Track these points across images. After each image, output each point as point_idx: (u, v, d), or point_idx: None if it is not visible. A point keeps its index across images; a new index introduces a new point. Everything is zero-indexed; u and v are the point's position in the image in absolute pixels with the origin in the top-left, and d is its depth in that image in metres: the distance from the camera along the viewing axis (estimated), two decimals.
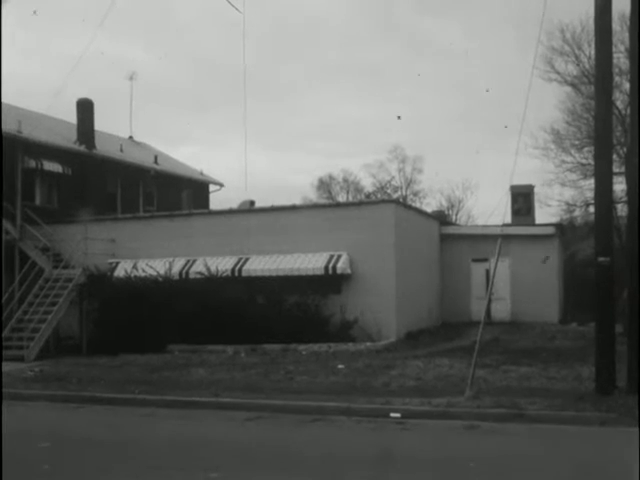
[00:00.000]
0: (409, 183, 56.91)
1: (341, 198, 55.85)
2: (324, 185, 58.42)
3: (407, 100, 78.22)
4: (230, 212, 23.04)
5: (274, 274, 20.57)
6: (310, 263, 20.44)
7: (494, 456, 8.44)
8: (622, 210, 25.78)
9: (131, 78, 34.10)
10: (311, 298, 19.89)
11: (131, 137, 34.75)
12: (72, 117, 28.02)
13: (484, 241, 24.41)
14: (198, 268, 21.10)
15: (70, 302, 21.30)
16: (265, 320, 19.30)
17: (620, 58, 23.58)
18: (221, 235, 21.75)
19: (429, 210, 39.00)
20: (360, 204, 22.88)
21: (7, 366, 16.08)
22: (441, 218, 30.26)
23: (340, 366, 15.39)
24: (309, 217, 21.51)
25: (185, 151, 72.07)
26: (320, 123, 77.91)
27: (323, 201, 50.65)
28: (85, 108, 27.74)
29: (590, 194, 30.01)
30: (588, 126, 29.22)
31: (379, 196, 49.30)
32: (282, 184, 70.21)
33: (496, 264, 13.17)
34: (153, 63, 73.86)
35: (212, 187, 34.46)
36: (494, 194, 63.70)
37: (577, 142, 31.90)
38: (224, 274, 20.75)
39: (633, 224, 11.25)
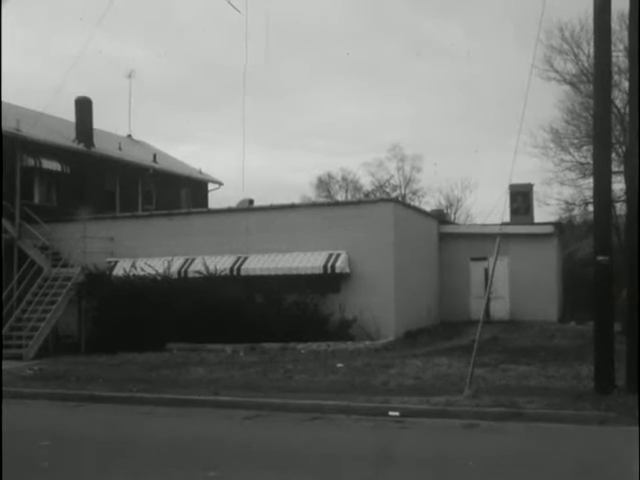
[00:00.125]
0: (408, 182, 56.97)
1: (340, 197, 55.88)
2: (323, 184, 58.46)
3: (406, 99, 78.31)
4: (229, 211, 23.04)
5: (273, 273, 20.57)
6: (309, 262, 20.44)
7: (493, 455, 8.44)
8: (621, 209, 25.82)
9: (130, 76, 34.14)
10: (310, 297, 19.89)
11: (130, 135, 34.71)
12: (71, 115, 28.04)
13: (483, 240, 24.39)
14: (197, 267, 21.09)
15: (69, 301, 21.29)
16: (264, 319, 19.30)
17: (619, 57, 23.59)
18: (220, 234, 21.74)
19: (428, 209, 39.01)
20: (359, 203, 22.86)
21: (6, 365, 16.06)
22: (440, 217, 30.28)
23: (339, 365, 15.38)
24: (308, 216, 21.50)
25: (184, 149, 72.15)
26: (319, 122, 77.95)
27: (322, 200, 50.64)
28: (84, 106, 27.73)
29: (589, 193, 30.04)
30: (587, 125, 29.23)
31: (378, 195, 49.33)
32: (281, 183, 70.36)
33: (495, 263, 13.17)
34: (152, 61, 73.91)
35: (211, 186, 34.48)
36: (493, 193, 63.83)
37: (576, 141, 31.91)
38: (223, 273, 20.74)
39: (632, 223, 11.25)
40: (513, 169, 18.62)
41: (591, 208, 21.63)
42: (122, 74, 37.88)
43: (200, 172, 34.26)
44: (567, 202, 33.36)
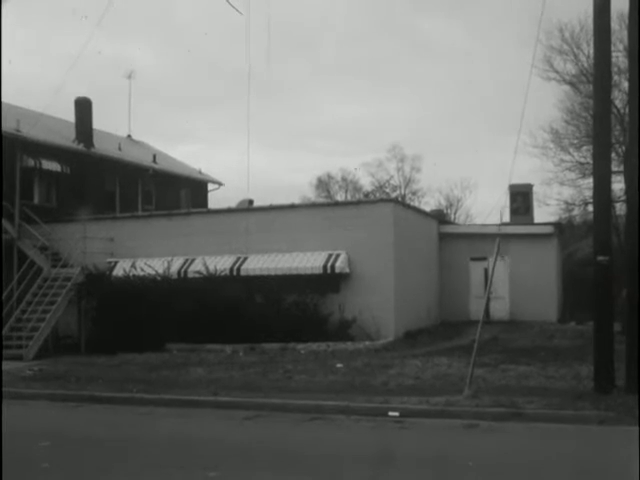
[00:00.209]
0: (408, 182, 57.02)
1: (340, 197, 55.89)
2: (323, 184, 58.47)
3: (406, 99, 78.32)
4: (229, 211, 23.03)
5: (272, 273, 20.57)
6: (309, 262, 20.44)
7: (493, 455, 8.45)
8: (621, 209, 25.81)
9: (129, 76, 34.10)
10: (310, 297, 19.89)
11: (129, 136, 34.71)
12: (70, 116, 28.04)
13: (483, 240, 24.39)
14: (197, 267, 21.09)
15: (69, 301, 21.29)
16: (264, 319, 19.30)
17: (619, 57, 23.60)
18: (220, 234, 21.74)
19: (428, 209, 39.03)
20: (359, 203, 22.85)
21: (6, 365, 16.06)
22: (440, 217, 30.27)
23: (339, 365, 15.39)
24: (308, 216, 21.50)
25: (184, 150, 72.18)
26: (319, 122, 77.98)
27: (322, 200, 50.65)
28: (83, 107, 27.74)
29: (589, 193, 30.04)
30: (587, 125, 29.24)
31: (378, 195, 49.33)
32: (281, 183, 70.33)
33: (495, 263, 13.17)
34: (152, 61, 73.92)
35: (211, 186, 34.48)
36: (493, 193, 63.91)
37: (576, 141, 31.92)
38: (223, 273, 20.74)
39: (632, 223, 11.25)
40: (513, 169, 18.69)
41: (591, 208, 21.63)
42: (122, 74, 37.93)
43: (200, 172, 34.26)
44: (567, 202, 33.38)
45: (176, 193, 29.50)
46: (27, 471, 7.90)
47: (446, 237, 26.77)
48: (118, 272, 21.77)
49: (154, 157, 31.36)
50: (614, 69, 20.43)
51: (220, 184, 34.54)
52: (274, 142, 79.45)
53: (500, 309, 25.47)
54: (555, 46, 30.55)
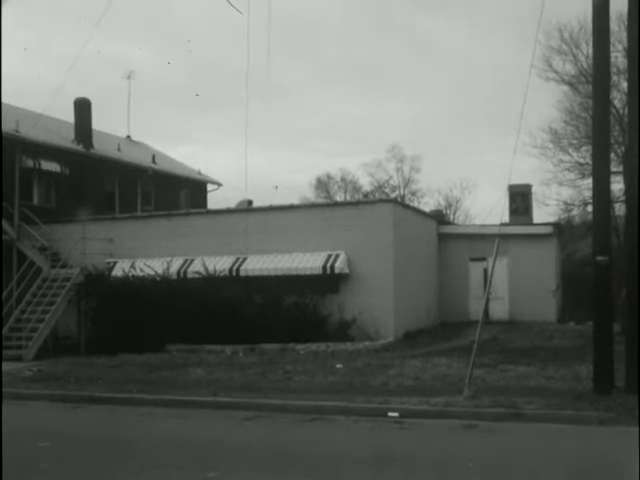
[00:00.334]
0: (407, 182, 57.05)
1: (339, 198, 55.92)
2: (322, 184, 58.50)
3: (406, 99, 78.34)
4: (228, 212, 23.03)
5: (272, 274, 20.56)
6: (308, 263, 20.43)
7: (492, 455, 8.45)
8: (620, 209, 25.79)
9: (129, 77, 34.11)
10: (309, 298, 19.88)
11: (129, 136, 34.70)
12: (70, 116, 28.02)
13: (482, 240, 24.40)
14: (196, 268, 21.08)
15: (68, 302, 21.28)
16: (263, 320, 19.30)
17: (618, 57, 23.60)
18: (219, 235, 21.74)
19: (427, 209, 39.06)
20: (358, 203, 22.85)
21: (6, 366, 16.06)
22: (439, 217, 30.29)
23: (338, 366, 15.39)
24: (307, 216, 21.50)
25: (183, 150, 72.18)
26: (318, 122, 78.00)
27: (321, 200, 50.70)
28: (83, 107, 27.73)
29: (588, 193, 30.01)
30: (586, 125, 29.23)
31: (377, 195, 49.34)
32: (280, 183, 70.37)
33: (494, 263, 13.17)
34: (151, 62, 73.90)
35: (210, 187, 34.48)
36: (492, 193, 63.85)
37: (575, 141, 31.91)
38: (222, 274, 20.74)
39: (631, 223, 11.25)
40: (512, 169, 18.72)
41: (590, 208, 21.66)
42: (121, 75, 37.91)
43: (199, 173, 34.26)
44: (566, 202, 33.36)
45: (175, 194, 29.50)
46: (27, 471, 7.91)
47: (445, 237, 26.78)
48: (117, 273, 21.76)
49: (153, 158, 31.36)
50: (613, 69, 20.42)
51: (219, 185, 34.56)
52: (273, 142, 79.65)
53: (499, 309, 25.48)
54: (554, 46, 30.56)
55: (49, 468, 8.02)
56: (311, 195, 57.04)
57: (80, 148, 26.58)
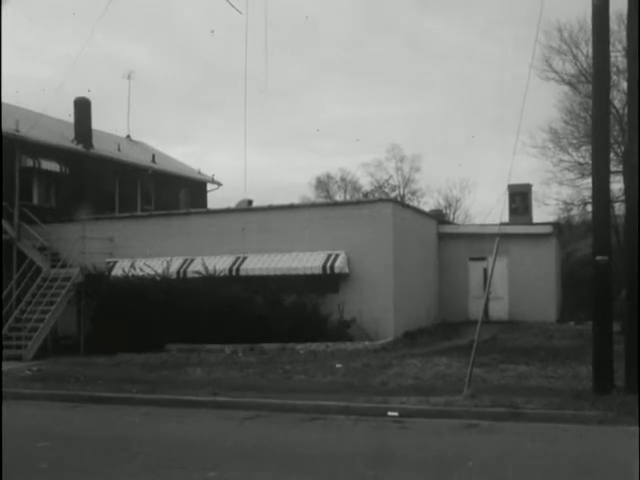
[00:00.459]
0: (407, 182, 57.06)
1: (339, 197, 55.93)
2: (322, 184, 58.51)
3: (406, 99, 78.35)
4: (228, 211, 23.02)
5: (272, 273, 20.56)
6: (308, 262, 20.43)
7: (492, 455, 8.45)
8: (619, 209, 25.84)
9: (129, 77, 34.06)
10: (309, 297, 19.89)
11: (129, 136, 34.68)
12: (70, 116, 28.00)
13: (482, 240, 24.39)
14: (196, 267, 21.08)
15: (68, 301, 21.28)
16: (263, 319, 19.30)
17: (617, 57, 23.66)
18: (219, 234, 21.74)
19: (427, 209, 39.03)
20: (358, 203, 22.84)
21: (6, 365, 16.07)
22: (439, 217, 30.27)
23: (338, 365, 15.39)
24: (307, 216, 21.49)
25: (183, 150, 72.16)
26: (318, 122, 77.91)
27: (321, 200, 50.70)
28: (82, 107, 27.73)
29: (588, 193, 30.07)
30: (586, 125, 29.28)
31: (377, 195, 49.35)
32: (280, 183, 70.32)
33: (494, 263, 13.17)
34: (151, 62, 73.89)
35: (210, 186, 34.46)
36: (492, 193, 63.88)
37: (575, 141, 31.97)
38: (222, 273, 20.74)
39: (631, 223, 11.25)
40: (512, 169, 18.72)
41: (590, 208, 21.64)
42: (121, 75, 37.89)
43: (199, 172, 34.25)
44: (566, 202, 33.44)
45: (175, 193, 29.50)
46: (26, 471, 7.91)
47: (445, 237, 26.78)
48: (117, 272, 21.76)
49: (153, 157, 31.35)
50: (613, 69, 20.47)
51: (219, 184, 34.53)
52: (273, 142, 79.57)
53: (499, 309, 25.47)
54: (554, 46, 30.64)
55: (49, 468, 8.02)
56: (311, 195, 57.11)
57: (80, 148, 26.58)
